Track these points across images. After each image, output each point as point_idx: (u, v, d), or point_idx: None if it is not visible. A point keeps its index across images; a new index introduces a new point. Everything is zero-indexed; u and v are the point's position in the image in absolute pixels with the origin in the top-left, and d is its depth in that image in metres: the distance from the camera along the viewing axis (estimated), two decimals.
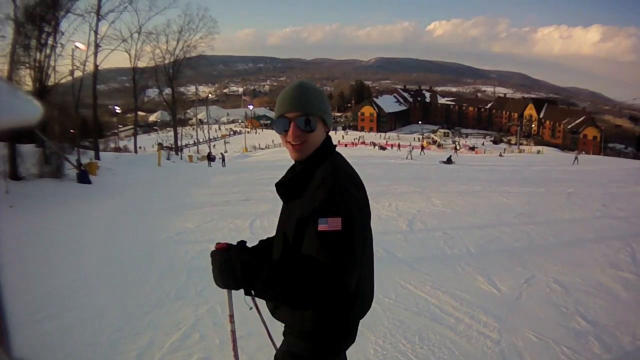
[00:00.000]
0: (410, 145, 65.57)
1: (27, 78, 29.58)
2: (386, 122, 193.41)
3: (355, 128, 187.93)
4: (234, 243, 2.48)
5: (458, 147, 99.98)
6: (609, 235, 11.31)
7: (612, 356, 5.12)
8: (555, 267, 8.34)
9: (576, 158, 48.81)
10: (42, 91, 29.64)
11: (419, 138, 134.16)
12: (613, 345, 5.33)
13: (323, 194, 2.18)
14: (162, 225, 13.32)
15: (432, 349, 5.13)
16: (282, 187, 2.53)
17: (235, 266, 2.20)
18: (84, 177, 25.80)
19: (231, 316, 2.66)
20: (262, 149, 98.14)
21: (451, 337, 5.43)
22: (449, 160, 43.46)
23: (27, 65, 29.49)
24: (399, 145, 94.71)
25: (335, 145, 2.61)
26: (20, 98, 0.98)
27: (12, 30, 28.03)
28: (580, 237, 11.30)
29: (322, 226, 2.11)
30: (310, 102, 2.39)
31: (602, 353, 5.14)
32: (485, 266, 8.39)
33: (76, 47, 36.20)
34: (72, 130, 35.17)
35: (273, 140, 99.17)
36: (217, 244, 2.40)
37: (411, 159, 49.35)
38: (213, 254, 2.36)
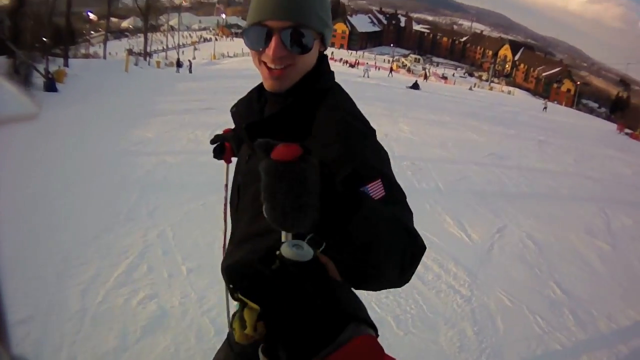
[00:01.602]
0: (366, 63, 65.88)
1: None
2: (357, 41, 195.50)
3: None
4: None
5: (428, 75, 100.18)
6: (583, 196, 11.28)
7: (588, 336, 4.91)
8: (528, 221, 8.15)
9: (545, 106, 49.37)
10: (17, 2, 29.39)
11: (389, 60, 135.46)
12: (588, 323, 5.12)
13: (348, 154, 1.44)
14: (121, 134, 12.88)
15: (398, 300, 4.78)
16: (261, 130, 1.59)
17: (315, 198, 1.02)
18: (50, 85, 25.56)
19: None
20: (231, 57, 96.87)
21: (419, 287, 5.08)
22: (415, 86, 42.89)
23: None
24: (376, 67, 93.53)
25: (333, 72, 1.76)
26: (12, 94, 0.87)
27: None
28: (554, 191, 11.20)
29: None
30: (306, 5, 1.54)
31: (578, 331, 4.92)
32: (455, 207, 8.13)
33: None
34: (44, 39, 34.81)
35: (242, 49, 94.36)
36: (267, 145, 1.03)
37: (368, 77, 49.32)
38: (273, 175, 1.00)
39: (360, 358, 0.89)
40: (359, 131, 1.55)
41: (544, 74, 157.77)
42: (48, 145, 11.57)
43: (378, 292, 4.71)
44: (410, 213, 1.47)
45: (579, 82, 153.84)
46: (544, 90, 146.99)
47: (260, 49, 1.57)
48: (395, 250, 1.26)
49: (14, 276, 4.96)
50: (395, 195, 1.45)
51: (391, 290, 4.72)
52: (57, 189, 8.00)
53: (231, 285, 1.04)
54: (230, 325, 1.25)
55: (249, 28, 1.58)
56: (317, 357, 0.88)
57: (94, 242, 5.79)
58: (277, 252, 0.97)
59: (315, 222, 1.02)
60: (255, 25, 1.56)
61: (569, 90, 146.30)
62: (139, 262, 5.24)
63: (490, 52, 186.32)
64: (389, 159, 1.56)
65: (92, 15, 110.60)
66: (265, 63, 1.58)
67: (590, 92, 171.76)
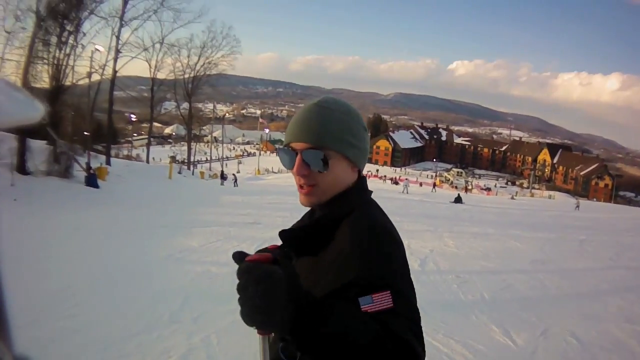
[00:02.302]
0: (405, 179, 66.65)
1: (44, 74, 29.74)
2: (401, 157, 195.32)
3: (369, 161, 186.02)
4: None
5: (470, 187, 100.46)
6: (623, 287, 11.27)
7: None
8: (571, 320, 8.08)
9: (577, 205, 51.87)
10: (58, 89, 29.93)
11: (432, 176, 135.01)
12: None
13: (359, 260, 1.51)
14: (165, 241, 13.04)
15: None
16: (291, 237, 1.79)
17: (282, 294, 1.23)
18: (92, 180, 26.06)
19: None
20: (275, 172, 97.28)
21: None
22: (458, 200, 42.94)
23: (46, 61, 29.67)
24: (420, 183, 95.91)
25: (371, 192, 1.90)
26: (22, 97, 0.93)
27: (33, 23, 28.42)
28: (595, 288, 11.13)
29: (367, 306, 1.42)
30: (327, 129, 1.71)
31: None
32: (500, 315, 8.08)
33: (96, 49, 36.81)
34: (85, 133, 35.64)
35: None
36: (241, 256, 1.40)
37: (407, 192, 49.93)
38: (249, 268, 1.27)
39: None
40: (377, 240, 1.58)
41: (581, 173, 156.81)
42: (91, 243, 12.05)
43: None
44: (415, 333, 1.44)
45: (614, 175, 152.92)
46: (583, 189, 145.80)
47: (290, 169, 1.77)
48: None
49: (52, 358, 5.17)
50: (404, 310, 1.45)
51: None
52: (100, 286, 8.29)
53: None
54: None
55: (282, 149, 1.79)
56: None
57: (135, 339, 5.91)
58: None
59: (285, 325, 1.25)
60: (285, 147, 1.77)
61: (606, 186, 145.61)
62: None
63: (530, 159, 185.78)
64: (408, 274, 1.58)
65: (133, 117, 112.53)
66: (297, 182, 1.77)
67: (627, 183, 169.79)
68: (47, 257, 10.14)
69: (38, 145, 26.25)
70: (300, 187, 1.75)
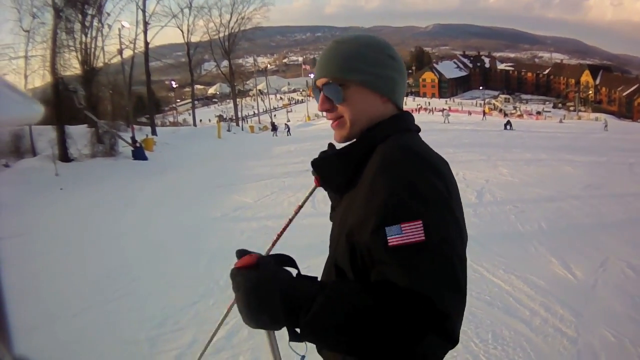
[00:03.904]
0: (444, 109, 66.45)
1: (73, 61, 30.48)
2: (447, 88, 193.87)
3: (417, 94, 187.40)
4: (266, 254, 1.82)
5: (519, 113, 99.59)
6: None
7: None
8: (627, 249, 7.87)
9: (605, 125, 51.63)
10: (90, 73, 30.62)
11: (480, 104, 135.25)
12: None
13: (388, 182, 1.41)
14: (218, 201, 13.24)
15: (507, 350, 4.72)
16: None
17: (269, 294, 1.36)
18: (139, 153, 26.48)
19: None
20: (324, 116, 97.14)
21: (526, 334, 5.00)
22: (508, 125, 43.17)
23: (73, 48, 30.32)
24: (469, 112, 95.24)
25: (415, 126, 1.77)
26: (20, 98, 0.90)
27: (52, 16, 28.95)
28: None
29: (394, 238, 1.33)
30: (342, 62, 1.67)
31: None
32: (558, 246, 7.98)
33: (123, 26, 37.09)
34: (127, 109, 36.25)
35: None
36: (241, 255, 1.51)
37: (448, 122, 49.62)
38: (234, 274, 1.46)
39: None
40: (411, 162, 1.47)
41: (624, 94, 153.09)
42: (143, 216, 12.32)
43: (484, 341, 4.83)
44: (446, 276, 1.33)
45: None
46: (627, 110, 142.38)
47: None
48: (377, 346, 1.30)
49: (108, 340, 5.35)
50: (437, 245, 1.34)
51: (499, 339, 4.85)
52: (154, 259, 8.48)
53: None
54: None
55: (312, 91, 1.81)
56: None
57: (190, 309, 6.04)
58: None
59: (275, 322, 1.38)
60: (314, 87, 1.78)
61: None
62: (239, 327, 5.19)
63: (573, 81, 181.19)
64: (449, 205, 1.45)
65: (174, 84, 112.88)
66: None
67: None
68: (99, 238, 10.41)
69: (78, 131, 26.69)
70: (331, 122, 1.75)
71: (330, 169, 1.72)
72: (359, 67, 1.66)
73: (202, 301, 6.28)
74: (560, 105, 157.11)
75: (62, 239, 10.67)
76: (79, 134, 26.74)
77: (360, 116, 1.67)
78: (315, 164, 1.75)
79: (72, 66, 30.30)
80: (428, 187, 1.41)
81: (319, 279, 1.54)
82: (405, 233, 1.32)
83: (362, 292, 1.36)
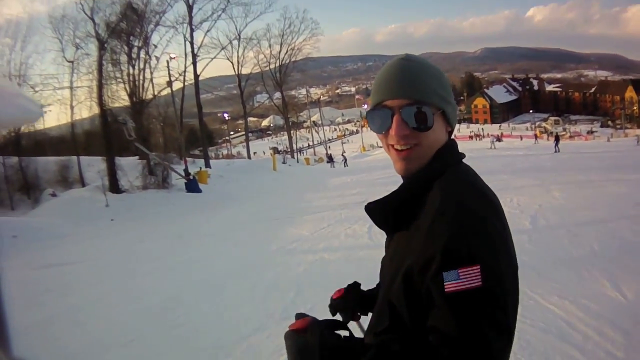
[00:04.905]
0: (491, 135, 66.32)
1: (121, 92, 31.13)
2: (499, 113, 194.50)
3: (470, 121, 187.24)
4: (322, 317, 1.80)
5: (568, 134, 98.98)
6: None
7: None
8: None
9: (638, 140, 53.00)
10: (139, 104, 31.30)
11: (531, 127, 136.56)
12: None
13: (445, 230, 1.37)
14: (275, 234, 13.25)
15: None
16: (376, 211, 1.67)
17: (311, 358, 1.51)
18: (192, 185, 26.64)
19: None
20: (380, 147, 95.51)
21: (579, 359, 5.05)
22: (557, 146, 42.64)
23: (120, 80, 30.88)
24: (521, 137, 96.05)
25: (462, 154, 1.71)
26: (22, 99, 1.00)
27: (96, 47, 29.54)
28: None
29: (452, 284, 1.31)
30: (424, 83, 1.57)
31: None
32: (610, 267, 7.89)
33: (171, 58, 37.38)
34: (178, 140, 36.19)
35: None
36: (298, 318, 1.70)
37: (494, 148, 50.25)
38: (286, 337, 1.64)
39: None
40: (470, 201, 1.45)
41: None
42: (196, 248, 12.52)
43: None
44: (501, 320, 1.34)
45: None
46: None
47: (384, 132, 1.61)
48: None
49: None
50: (492, 288, 1.33)
51: None
52: (207, 292, 8.59)
53: None
54: None
55: (372, 111, 1.62)
56: None
57: (244, 341, 6.06)
58: None
59: None
60: (377, 107, 1.60)
61: None
62: None
63: (618, 97, 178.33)
64: (505, 244, 1.45)
65: (227, 116, 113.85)
66: (392, 146, 1.61)
67: None
68: (151, 270, 10.62)
69: (129, 162, 27.16)
70: (397, 152, 1.60)
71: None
72: (445, 97, 1.62)
73: (256, 335, 6.28)
74: (609, 123, 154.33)
75: (115, 268, 11.02)
76: (130, 166, 27.20)
77: (435, 146, 1.61)
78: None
79: (120, 98, 31.07)
80: (488, 230, 1.40)
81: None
82: (462, 279, 1.31)
83: (404, 354, 1.44)
